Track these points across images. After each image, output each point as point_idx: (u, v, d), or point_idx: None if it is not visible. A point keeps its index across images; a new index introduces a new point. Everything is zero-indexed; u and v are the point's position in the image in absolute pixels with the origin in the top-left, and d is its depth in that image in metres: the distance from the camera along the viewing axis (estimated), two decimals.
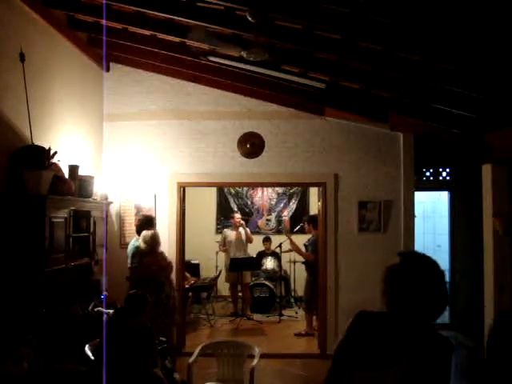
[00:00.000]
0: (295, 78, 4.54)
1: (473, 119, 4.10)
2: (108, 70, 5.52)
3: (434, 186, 6.65)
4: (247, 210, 8.64)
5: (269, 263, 7.92)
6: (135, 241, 4.83)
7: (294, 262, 7.58)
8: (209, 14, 3.53)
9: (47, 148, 3.57)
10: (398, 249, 5.30)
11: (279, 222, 8.68)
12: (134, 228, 5.23)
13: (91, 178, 4.58)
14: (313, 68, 4.24)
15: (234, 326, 6.62)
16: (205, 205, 8.51)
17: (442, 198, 6.91)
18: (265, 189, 8.58)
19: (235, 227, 7.25)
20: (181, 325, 5.41)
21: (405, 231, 5.34)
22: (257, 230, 8.48)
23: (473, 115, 3.99)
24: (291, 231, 7.64)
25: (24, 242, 3.38)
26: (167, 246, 5.30)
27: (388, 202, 5.38)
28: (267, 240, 8.07)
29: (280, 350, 5.46)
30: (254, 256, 7.62)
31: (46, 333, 3.37)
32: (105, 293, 4.39)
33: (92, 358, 3.25)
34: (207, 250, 7.84)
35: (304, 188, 8.37)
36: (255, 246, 7.79)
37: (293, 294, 8.01)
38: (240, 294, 7.19)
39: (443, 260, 6.19)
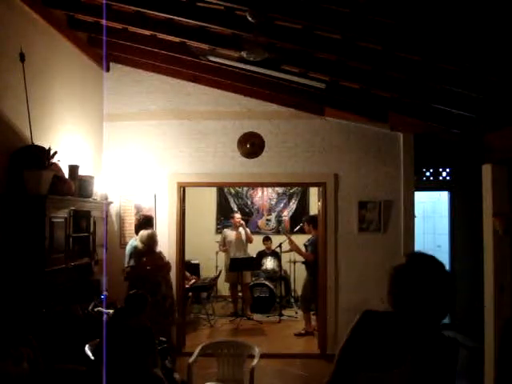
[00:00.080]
0: (295, 78, 4.54)
1: (473, 119, 4.10)
2: (108, 70, 5.52)
3: (434, 186, 6.65)
4: (247, 210, 8.65)
5: (269, 263, 7.92)
6: (133, 241, 4.84)
7: (294, 262, 7.59)
8: (209, 14, 3.53)
9: (47, 148, 3.57)
10: (398, 249, 5.31)
11: (279, 221, 8.68)
12: (133, 228, 5.25)
13: (91, 178, 4.58)
14: (313, 68, 4.24)
15: (234, 325, 6.62)
16: (205, 205, 8.51)
17: (442, 198, 6.91)
18: (265, 189, 8.58)
19: (235, 227, 7.25)
20: (181, 325, 5.41)
21: (405, 231, 5.34)
22: (257, 230, 8.48)
23: (473, 115, 3.98)
24: (291, 231, 7.65)
25: (24, 242, 3.38)
26: (167, 246, 5.31)
27: (388, 201, 5.38)
28: (267, 239, 8.08)
29: (280, 350, 5.46)
30: (254, 256, 7.63)
31: (46, 333, 3.37)
32: (105, 293, 4.39)
33: (92, 357, 3.25)
34: (207, 250, 7.84)
35: (304, 188, 8.37)
36: (255, 246, 7.80)
37: (293, 293, 8.01)
38: (240, 294, 7.19)
39: (443, 260, 6.17)
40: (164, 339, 3.99)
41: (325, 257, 5.42)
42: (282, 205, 8.68)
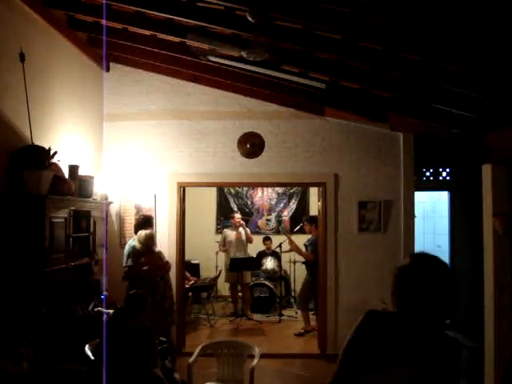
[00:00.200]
0: (295, 78, 4.54)
1: (473, 119, 4.10)
2: (108, 70, 5.52)
3: (434, 186, 6.65)
4: (247, 210, 8.64)
5: (269, 263, 7.92)
6: (132, 241, 4.84)
7: (294, 262, 7.59)
8: (209, 14, 3.53)
9: (47, 148, 3.57)
10: (398, 249, 5.31)
11: (279, 222, 8.68)
12: (133, 228, 5.24)
13: (91, 178, 4.59)
14: (313, 68, 4.24)
15: (234, 325, 6.62)
16: (205, 205, 8.51)
17: (442, 198, 6.91)
18: (265, 189, 8.58)
19: (235, 227, 7.25)
20: (181, 325, 5.41)
21: (405, 231, 5.34)
22: (257, 230, 8.48)
23: (473, 115, 3.99)
24: (291, 231, 7.65)
25: (24, 241, 3.38)
26: (167, 246, 5.31)
27: (388, 201, 5.38)
28: (267, 239, 8.08)
29: (280, 350, 5.46)
30: (254, 256, 7.63)
31: (46, 333, 3.37)
32: (105, 293, 4.39)
33: (92, 357, 3.25)
34: (207, 250, 7.84)
35: (304, 188, 8.37)
36: (255, 246, 7.80)
37: (293, 293, 8.01)
38: (240, 294, 7.19)
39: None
40: (164, 339, 3.99)
41: (325, 257, 5.42)
42: (282, 205, 8.68)
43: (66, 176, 4.05)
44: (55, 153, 3.64)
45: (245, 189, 8.66)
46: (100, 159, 5.42)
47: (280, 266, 7.65)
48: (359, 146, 5.44)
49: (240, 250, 7.12)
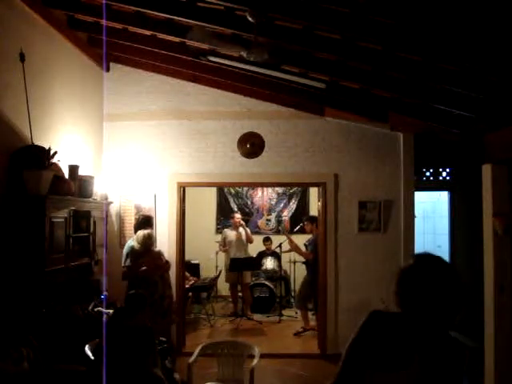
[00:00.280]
0: (295, 78, 4.54)
1: (473, 119, 4.10)
2: (108, 70, 5.52)
3: (434, 185, 6.64)
4: (247, 210, 8.64)
5: (269, 263, 7.92)
6: (131, 241, 4.84)
7: (294, 262, 7.59)
8: (209, 13, 3.53)
9: (47, 148, 3.57)
10: (398, 249, 5.31)
11: (279, 221, 8.68)
12: (133, 228, 5.24)
13: (91, 177, 4.58)
14: (313, 68, 4.24)
15: (234, 326, 6.62)
16: (205, 205, 8.51)
17: (442, 198, 6.91)
18: (265, 189, 8.58)
19: (235, 227, 7.25)
20: (181, 325, 5.41)
21: (405, 231, 5.34)
22: (257, 230, 8.48)
23: (473, 115, 3.99)
24: (291, 231, 7.65)
25: (24, 242, 3.38)
26: (167, 246, 5.31)
27: (388, 201, 5.38)
28: (267, 240, 8.08)
29: (280, 350, 5.46)
30: (254, 256, 7.62)
31: (46, 333, 3.37)
32: (105, 293, 4.39)
33: (92, 357, 3.25)
34: (207, 250, 7.84)
35: (304, 188, 8.37)
36: (255, 246, 7.80)
37: (293, 294, 8.00)
38: (240, 294, 7.19)
39: None
40: (164, 339, 3.99)
41: (325, 257, 5.42)
42: (281, 205, 8.68)
43: (66, 176, 4.05)
44: (55, 153, 3.64)
45: (245, 189, 8.66)
46: (100, 159, 5.42)
47: (280, 266, 7.65)
48: (359, 146, 5.45)
49: (240, 250, 7.12)
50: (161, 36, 4.51)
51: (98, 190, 4.98)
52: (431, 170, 6.54)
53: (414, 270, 1.47)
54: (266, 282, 7.35)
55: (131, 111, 5.49)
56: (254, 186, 8.05)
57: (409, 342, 1.43)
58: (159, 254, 4.79)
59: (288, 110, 5.48)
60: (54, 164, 3.75)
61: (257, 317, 6.99)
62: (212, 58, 4.52)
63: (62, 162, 3.98)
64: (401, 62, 3.45)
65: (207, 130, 5.49)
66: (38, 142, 3.66)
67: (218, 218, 8.73)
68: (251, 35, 3.45)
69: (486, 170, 4.15)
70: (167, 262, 4.85)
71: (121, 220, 5.46)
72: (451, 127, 4.52)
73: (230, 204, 8.68)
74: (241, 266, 6.89)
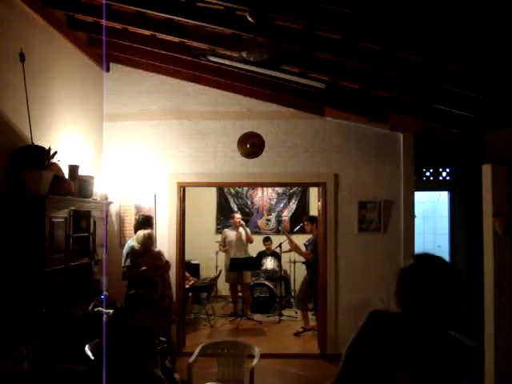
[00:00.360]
0: (295, 78, 4.54)
1: (473, 119, 4.10)
2: (108, 70, 5.52)
3: (434, 185, 6.64)
4: (247, 210, 8.64)
5: (269, 263, 7.92)
6: (131, 241, 4.84)
7: (294, 262, 7.59)
8: (209, 13, 3.53)
9: (47, 148, 3.57)
10: (398, 249, 5.31)
11: (279, 221, 8.68)
12: (133, 228, 5.24)
13: (91, 178, 4.58)
14: (313, 68, 4.24)
15: (234, 326, 6.62)
16: (205, 205, 8.51)
17: (442, 198, 6.91)
18: (265, 189, 8.58)
19: (235, 227, 7.25)
20: (181, 325, 5.41)
21: (405, 231, 5.34)
22: (257, 230, 8.48)
23: (473, 115, 3.99)
24: (291, 231, 7.65)
25: (24, 242, 3.38)
26: (167, 246, 5.31)
27: (388, 201, 5.38)
28: (267, 240, 8.08)
29: (280, 350, 5.46)
30: (254, 256, 7.62)
31: (46, 333, 3.37)
32: (105, 293, 4.39)
33: (92, 357, 3.25)
34: (207, 250, 7.84)
35: (304, 188, 8.37)
36: (255, 246, 7.80)
37: (293, 294, 8.01)
38: (240, 294, 7.19)
39: None
40: (164, 339, 3.99)
41: (325, 257, 5.42)
42: (281, 205, 8.68)
43: (66, 176, 4.05)
44: (55, 153, 3.64)
45: (245, 189, 8.66)
46: (100, 159, 5.42)
47: (280, 266, 7.66)
48: (359, 146, 5.44)
49: (240, 250, 7.12)
50: (161, 36, 4.51)
51: (98, 190, 4.98)
52: (431, 170, 6.54)
53: (414, 270, 1.47)
54: (266, 282, 7.35)
55: (131, 111, 5.49)
56: (254, 185, 8.05)
57: (409, 342, 1.43)
58: (159, 254, 4.79)
59: (288, 110, 5.48)
60: (54, 164, 3.75)
61: (257, 317, 6.99)
62: (212, 58, 4.52)
63: (62, 162, 3.98)
64: (401, 62, 3.45)
65: (207, 130, 5.50)
66: (38, 142, 3.66)
67: (217, 218, 8.73)
68: (251, 35, 3.45)
69: (486, 170, 4.15)
70: (167, 262, 4.86)
71: (121, 220, 5.46)
72: (451, 127, 4.52)
73: (230, 204, 8.68)
74: (241, 266, 6.89)
